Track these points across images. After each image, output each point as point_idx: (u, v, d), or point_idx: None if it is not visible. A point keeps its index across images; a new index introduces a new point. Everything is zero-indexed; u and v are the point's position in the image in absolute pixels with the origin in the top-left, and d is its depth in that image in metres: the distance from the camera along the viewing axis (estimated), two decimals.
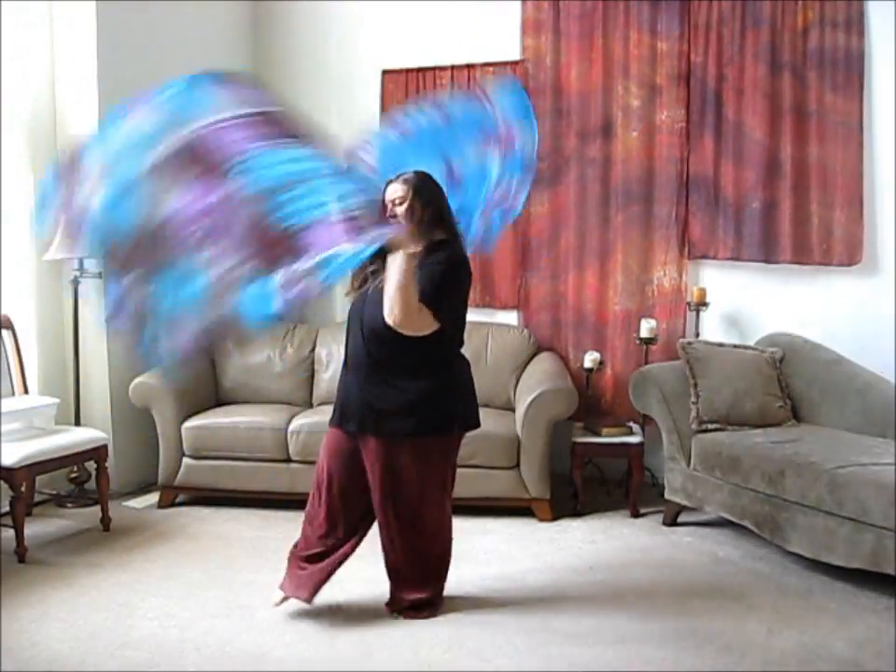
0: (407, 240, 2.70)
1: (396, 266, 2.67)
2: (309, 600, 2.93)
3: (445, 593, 3.07)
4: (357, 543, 2.98)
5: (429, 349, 2.79)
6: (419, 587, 2.96)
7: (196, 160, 2.35)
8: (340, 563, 2.96)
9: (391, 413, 2.80)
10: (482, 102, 2.95)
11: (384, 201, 2.79)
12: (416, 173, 2.81)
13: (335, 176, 2.52)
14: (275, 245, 2.36)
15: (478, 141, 2.88)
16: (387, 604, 3.01)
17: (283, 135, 2.47)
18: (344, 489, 2.94)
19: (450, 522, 3.01)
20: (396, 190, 2.79)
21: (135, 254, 2.35)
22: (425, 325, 2.72)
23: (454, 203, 2.88)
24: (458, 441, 2.99)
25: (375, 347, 2.81)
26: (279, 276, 2.34)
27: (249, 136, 2.39)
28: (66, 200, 2.39)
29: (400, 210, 2.77)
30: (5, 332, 3.92)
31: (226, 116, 2.39)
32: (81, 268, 4.11)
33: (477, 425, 2.99)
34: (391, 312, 2.67)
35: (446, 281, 2.76)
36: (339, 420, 2.93)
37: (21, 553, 3.46)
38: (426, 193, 2.79)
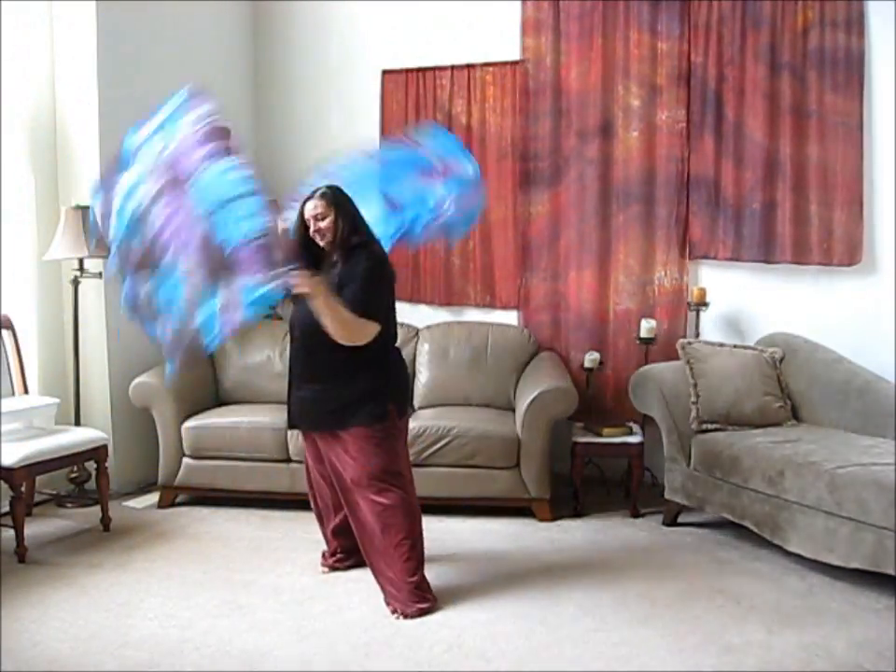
0: (307, 279, 2.80)
1: (316, 304, 2.81)
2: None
3: (445, 593, 3.08)
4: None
5: (366, 349, 2.93)
6: (392, 567, 3.02)
7: (170, 175, 2.65)
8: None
9: (338, 409, 2.98)
10: (411, 146, 3.35)
11: (301, 216, 2.99)
12: (329, 187, 3.02)
13: (253, 195, 2.69)
14: (218, 261, 2.63)
15: (414, 176, 3.23)
16: (387, 602, 3.01)
17: (223, 149, 2.69)
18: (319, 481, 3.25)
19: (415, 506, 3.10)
20: (315, 207, 2.97)
21: (144, 259, 2.70)
22: (370, 331, 2.90)
23: (395, 222, 3.22)
24: (399, 428, 3.12)
25: (317, 352, 2.99)
26: (219, 298, 2.64)
27: (203, 150, 2.64)
28: (104, 211, 2.79)
29: (324, 224, 2.97)
30: (5, 332, 3.92)
31: (188, 131, 2.66)
32: (81, 268, 4.11)
33: (408, 412, 3.27)
34: (342, 338, 2.85)
35: (372, 282, 2.93)
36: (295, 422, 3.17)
37: (21, 554, 3.46)
38: (343, 204, 2.99)
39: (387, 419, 3.00)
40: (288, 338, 3.21)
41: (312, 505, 3.36)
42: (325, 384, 3.01)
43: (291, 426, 3.20)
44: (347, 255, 2.96)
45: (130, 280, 2.75)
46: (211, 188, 2.63)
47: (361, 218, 3.03)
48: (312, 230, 2.98)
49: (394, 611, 2.97)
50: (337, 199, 2.98)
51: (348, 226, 2.97)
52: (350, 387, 2.96)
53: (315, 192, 3.00)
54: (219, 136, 2.68)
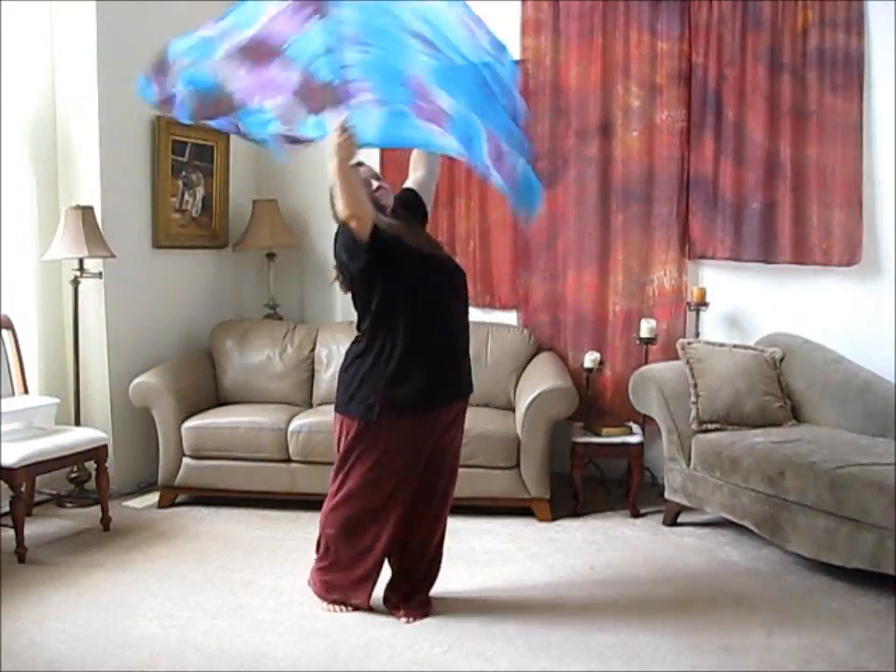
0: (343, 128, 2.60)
1: (344, 170, 2.64)
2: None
3: (445, 593, 3.08)
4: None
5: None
6: (430, 582, 3.02)
7: (259, 49, 2.68)
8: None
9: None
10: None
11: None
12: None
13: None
14: (320, 92, 2.62)
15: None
16: (386, 602, 3.01)
17: (314, 12, 2.63)
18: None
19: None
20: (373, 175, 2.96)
21: (213, 110, 2.79)
22: (362, 212, 2.69)
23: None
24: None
25: (458, 316, 2.97)
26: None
27: (293, 21, 2.63)
28: (159, 86, 2.95)
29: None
30: (5, 332, 3.92)
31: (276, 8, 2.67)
32: (81, 268, 4.11)
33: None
34: (345, 207, 2.65)
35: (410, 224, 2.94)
36: (432, 398, 2.85)
37: (21, 554, 3.46)
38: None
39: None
40: (405, 307, 2.78)
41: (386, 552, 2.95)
42: (461, 349, 2.99)
43: (429, 403, 2.83)
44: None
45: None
46: (307, 44, 2.60)
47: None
48: (375, 188, 2.91)
49: (393, 609, 2.99)
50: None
51: None
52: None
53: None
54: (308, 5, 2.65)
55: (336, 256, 2.85)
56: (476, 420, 4.05)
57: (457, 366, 2.95)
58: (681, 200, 4.47)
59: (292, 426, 4.08)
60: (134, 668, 2.62)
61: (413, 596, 2.97)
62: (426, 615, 2.95)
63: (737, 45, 4.31)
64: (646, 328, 4.35)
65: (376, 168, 4.80)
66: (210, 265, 4.99)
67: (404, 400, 2.78)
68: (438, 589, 3.07)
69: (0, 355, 3.90)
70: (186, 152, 4.67)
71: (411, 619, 2.93)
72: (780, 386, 3.95)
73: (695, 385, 3.83)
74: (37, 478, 3.82)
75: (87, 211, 4.02)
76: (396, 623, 2.91)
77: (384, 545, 2.89)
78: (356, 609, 2.98)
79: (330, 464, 3.01)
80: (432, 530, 2.97)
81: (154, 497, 4.26)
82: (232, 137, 4.36)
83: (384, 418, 2.77)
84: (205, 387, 4.50)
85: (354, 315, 2.94)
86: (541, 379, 4.10)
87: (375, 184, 2.92)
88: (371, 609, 2.98)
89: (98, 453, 3.84)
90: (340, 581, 2.98)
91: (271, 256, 5.03)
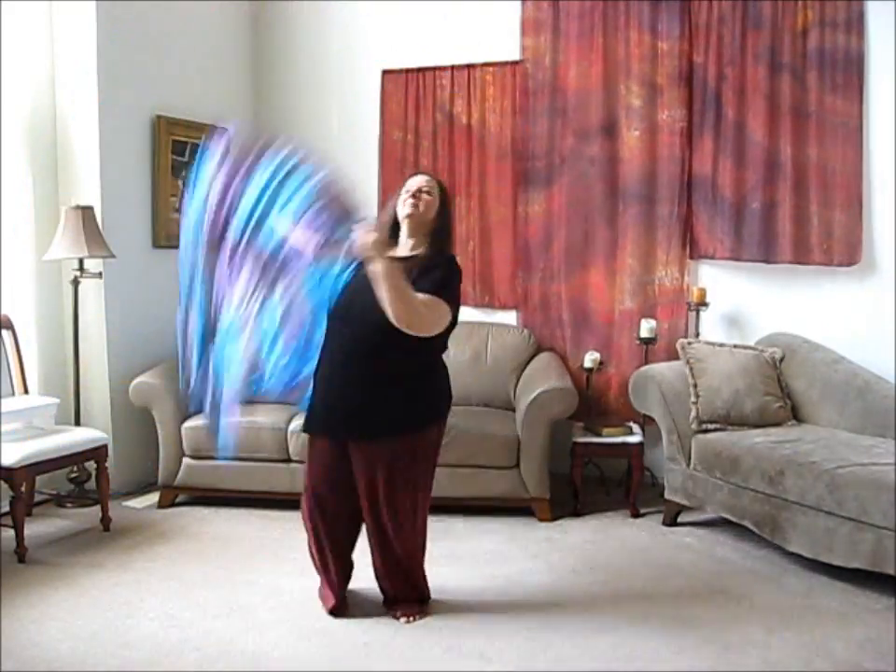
0: (380, 243, 2.54)
1: (376, 271, 2.50)
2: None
3: (445, 593, 3.08)
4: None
5: (423, 349, 2.73)
6: (414, 589, 2.98)
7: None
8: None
9: (385, 413, 2.75)
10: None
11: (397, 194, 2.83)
12: (439, 180, 2.93)
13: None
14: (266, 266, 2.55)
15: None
16: (385, 603, 3.01)
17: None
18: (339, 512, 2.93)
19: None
20: (425, 181, 2.84)
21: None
22: (439, 316, 2.63)
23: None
24: (440, 436, 2.95)
25: (374, 345, 2.69)
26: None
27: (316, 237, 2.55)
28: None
29: (426, 198, 2.79)
30: (5, 332, 3.92)
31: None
32: (81, 268, 4.11)
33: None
34: (402, 318, 2.53)
35: (453, 279, 2.75)
36: (324, 427, 2.86)
37: (21, 553, 3.46)
38: (446, 200, 2.88)
39: (435, 423, 2.94)
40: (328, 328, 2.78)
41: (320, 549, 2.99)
42: (385, 379, 2.73)
43: (314, 425, 2.89)
44: (428, 250, 2.77)
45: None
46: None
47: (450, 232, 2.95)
48: (407, 198, 2.77)
49: (390, 611, 2.98)
50: (446, 191, 2.91)
51: (444, 217, 2.83)
52: (404, 388, 2.78)
53: (419, 172, 2.99)
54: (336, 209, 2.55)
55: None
56: (476, 420, 4.06)
57: (344, 403, 2.77)
58: (682, 200, 4.47)
59: (292, 426, 4.07)
60: (135, 668, 2.62)
61: (404, 599, 2.97)
62: (424, 614, 2.95)
63: (737, 45, 4.31)
64: (646, 328, 4.35)
65: (375, 193, 4.83)
66: None
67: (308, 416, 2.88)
68: (438, 589, 3.07)
69: (0, 355, 3.90)
70: (186, 152, 4.67)
71: (410, 618, 2.92)
72: (780, 386, 3.95)
73: (695, 385, 3.83)
74: (37, 478, 3.82)
75: (87, 211, 4.02)
76: (396, 623, 2.91)
77: (328, 555, 2.95)
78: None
79: None
80: (388, 546, 2.89)
81: (154, 497, 4.26)
82: None
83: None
84: None
85: None
86: (541, 379, 4.10)
87: (415, 196, 2.80)
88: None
89: (98, 453, 3.84)
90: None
91: None
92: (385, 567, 2.94)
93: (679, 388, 3.87)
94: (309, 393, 2.84)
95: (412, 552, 2.92)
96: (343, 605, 2.97)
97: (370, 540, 2.93)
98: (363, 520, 2.92)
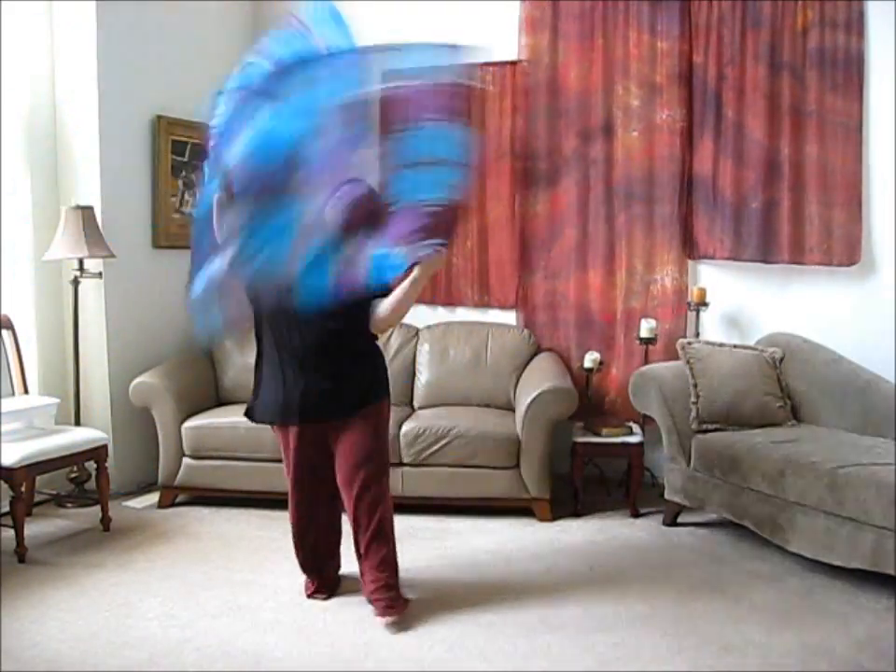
0: (437, 262, 2.84)
1: (417, 285, 2.82)
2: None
3: (445, 593, 3.08)
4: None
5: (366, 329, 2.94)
6: (392, 570, 2.99)
7: (365, 115, 2.64)
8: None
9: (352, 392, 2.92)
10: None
11: None
12: None
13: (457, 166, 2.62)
14: (372, 214, 2.61)
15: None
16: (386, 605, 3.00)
17: (453, 112, 2.58)
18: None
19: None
20: None
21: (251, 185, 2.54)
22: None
23: None
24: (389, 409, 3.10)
25: (329, 332, 2.86)
26: (343, 254, 2.56)
27: (429, 106, 2.57)
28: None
29: None
30: (5, 332, 3.92)
31: (421, 83, 2.61)
32: (81, 268, 4.11)
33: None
34: (394, 321, 2.93)
35: None
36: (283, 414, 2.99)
37: (21, 553, 3.46)
38: None
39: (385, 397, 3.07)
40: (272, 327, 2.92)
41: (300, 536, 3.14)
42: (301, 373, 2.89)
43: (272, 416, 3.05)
44: None
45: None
46: (420, 144, 2.57)
47: None
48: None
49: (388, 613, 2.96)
50: None
51: None
52: (360, 368, 2.96)
53: None
54: (455, 100, 2.61)
55: None
56: (476, 420, 4.06)
57: (294, 390, 2.91)
58: (682, 199, 4.47)
59: None
60: (135, 668, 2.62)
61: (375, 597, 2.96)
62: (397, 611, 2.90)
63: (737, 45, 4.32)
64: (646, 328, 4.35)
65: None
66: None
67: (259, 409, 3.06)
68: (438, 589, 3.08)
69: (0, 355, 3.90)
70: (186, 152, 4.67)
71: (386, 618, 2.89)
72: (780, 386, 3.95)
73: (695, 385, 3.83)
74: (37, 478, 3.83)
75: (87, 211, 4.02)
76: (395, 623, 2.90)
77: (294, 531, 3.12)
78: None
79: None
80: (334, 528, 3.13)
81: (154, 497, 4.26)
82: None
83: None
84: (205, 387, 4.50)
85: None
86: (541, 379, 4.10)
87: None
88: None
89: (98, 453, 3.84)
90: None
91: None
92: (367, 538, 2.95)
93: (679, 388, 3.87)
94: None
95: (385, 513, 2.98)
96: (319, 589, 3.12)
97: (349, 517, 2.99)
98: (335, 506, 3.07)
